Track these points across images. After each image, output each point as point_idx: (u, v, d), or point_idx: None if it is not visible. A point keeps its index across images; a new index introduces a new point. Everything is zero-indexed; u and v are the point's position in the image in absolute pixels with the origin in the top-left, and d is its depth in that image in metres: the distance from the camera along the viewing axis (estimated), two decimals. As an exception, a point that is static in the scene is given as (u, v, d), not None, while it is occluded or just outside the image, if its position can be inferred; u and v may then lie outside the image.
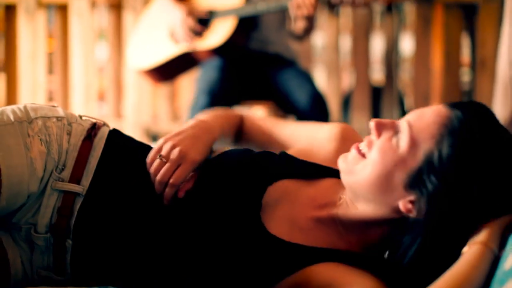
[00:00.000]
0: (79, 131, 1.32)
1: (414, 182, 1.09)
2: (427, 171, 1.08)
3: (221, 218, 1.22)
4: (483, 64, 3.61)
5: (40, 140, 1.26)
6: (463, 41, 3.76)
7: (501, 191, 1.08)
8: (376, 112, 3.75)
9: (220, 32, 2.86)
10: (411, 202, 1.10)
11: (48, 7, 4.07)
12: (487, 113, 1.12)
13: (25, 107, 1.30)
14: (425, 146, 1.09)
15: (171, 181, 1.25)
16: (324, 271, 1.14)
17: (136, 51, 3.22)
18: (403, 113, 3.78)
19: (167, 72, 3.12)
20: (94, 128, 1.34)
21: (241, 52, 2.94)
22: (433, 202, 1.08)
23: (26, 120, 1.27)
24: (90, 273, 1.26)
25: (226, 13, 2.88)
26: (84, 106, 3.93)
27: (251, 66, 3.01)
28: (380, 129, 1.15)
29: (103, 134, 1.34)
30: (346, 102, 3.91)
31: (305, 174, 1.30)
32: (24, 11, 3.91)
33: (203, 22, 2.96)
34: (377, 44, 4.02)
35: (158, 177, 1.26)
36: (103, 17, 4.24)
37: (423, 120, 1.12)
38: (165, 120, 3.94)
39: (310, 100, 2.76)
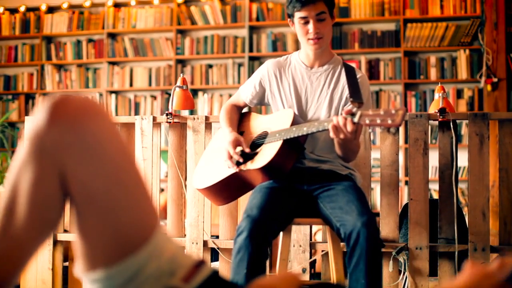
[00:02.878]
0: (192, 258, 1.47)
1: None
2: None
3: None
4: (540, 178, 3.62)
5: (173, 246, 1.43)
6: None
7: None
8: (433, 228, 3.75)
9: (266, 154, 2.98)
10: None
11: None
12: None
13: None
14: None
15: None
16: None
17: (199, 172, 3.38)
18: (463, 228, 3.77)
19: (222, 192, 3.25)
20: (203, 261, 1.49)
21: (287, 173, 3.03)
22: None
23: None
24: None
25: (273, 136, 3.02)
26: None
27: (304, 185, 3.10)
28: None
29: (209, 267, 1.48)
30: (402, 217, 3.91)
31: None
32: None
33: (256, 144, 3.12)
34: (433, 160, 4.05)
35: None
36: (165, 136, 4.39)
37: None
38: (225, 237, 3.99)
39: (359, 226, 2.74)
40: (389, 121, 2.52)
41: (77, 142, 1.31)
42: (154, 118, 4.08)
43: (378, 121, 2.56)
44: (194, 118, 4.02)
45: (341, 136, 2.71)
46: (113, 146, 1.36)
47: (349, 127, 2.66)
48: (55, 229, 1.41)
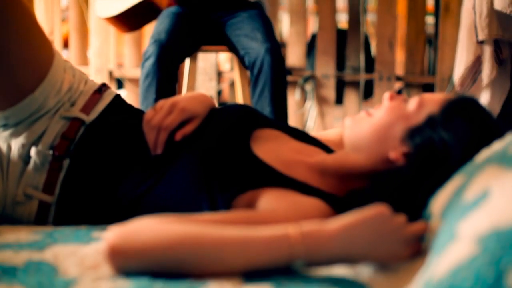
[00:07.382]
0: (94, 83, 1.51)
1: (411, 136, 1.21)
2: (426, 128, 1.19)
3: (214, 141, 1.31)
4: (447, 9, 3.64)
5: (71, 75, 1.46)
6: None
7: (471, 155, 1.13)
8: (341, 57, 3.77)
9: None
10: (402, 153, 1.21)
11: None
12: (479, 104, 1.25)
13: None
14: (430, 110, 1.22)
15: (160, 125, 1.33)
16: (278, 191, 1.21)
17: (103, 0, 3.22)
18: (369, 57, 3.81)
19: (130, 20, 3.13)
20: (105, 85, 1.52)
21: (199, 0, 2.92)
22: (420, 155, 1.18)
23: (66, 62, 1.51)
24: (78, 198, 1.35)
25: None
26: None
27: (210, 12, 3.01)
28: (393, 97, 1.28)
29: (111, 91, 1.52)
30: (310, 47, 3.91)
31: (296, 134, 1.43)
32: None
33: None
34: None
35: (150, 123, 1.34)
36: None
37: (432, 95, 1.26)
38: (130, 66, 3.91)
39: (263, 53, 2.70)
40: None
41: None
42: None
43: None
44: None
45: None
46: None
47: None
48: None
